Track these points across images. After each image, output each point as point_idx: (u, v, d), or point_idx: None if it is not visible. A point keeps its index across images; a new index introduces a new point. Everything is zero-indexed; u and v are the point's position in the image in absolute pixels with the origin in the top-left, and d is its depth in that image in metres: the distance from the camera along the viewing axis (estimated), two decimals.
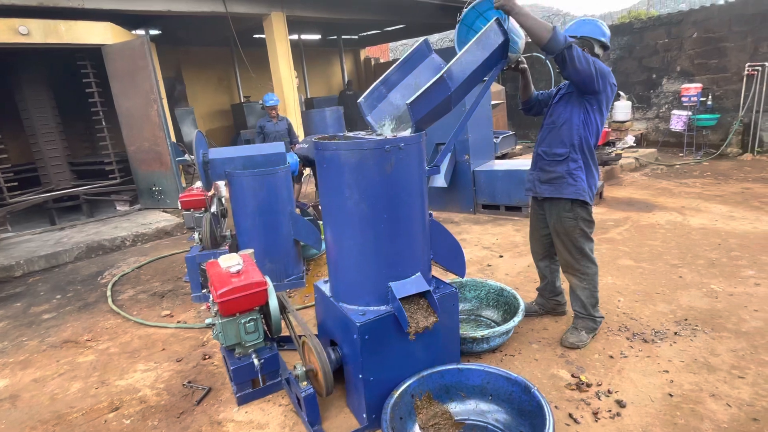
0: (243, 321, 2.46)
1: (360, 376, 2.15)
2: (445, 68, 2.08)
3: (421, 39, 2.62)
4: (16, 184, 6.57)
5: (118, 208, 7.67)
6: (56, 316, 3.95)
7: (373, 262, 2.16)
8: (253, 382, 2.60)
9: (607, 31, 2.59)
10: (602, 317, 2.88)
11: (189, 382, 2.79)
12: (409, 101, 2.06)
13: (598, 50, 2.59)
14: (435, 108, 2.13)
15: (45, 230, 6.40)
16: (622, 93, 5.70)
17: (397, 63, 2.60)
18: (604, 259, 4.05)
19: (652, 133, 9.79)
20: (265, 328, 2.69)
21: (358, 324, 2.09)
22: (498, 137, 8.69)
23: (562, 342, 2.81)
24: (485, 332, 2.63)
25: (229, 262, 2.68)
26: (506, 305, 3.10)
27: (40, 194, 6.86)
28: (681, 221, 4.93)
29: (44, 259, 5.20)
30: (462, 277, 2.62)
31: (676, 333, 2.85)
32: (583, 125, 2.60)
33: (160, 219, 6.42)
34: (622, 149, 5.50)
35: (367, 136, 2.24)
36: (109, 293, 4.28)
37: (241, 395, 2.53)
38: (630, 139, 5.45)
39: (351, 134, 2.39)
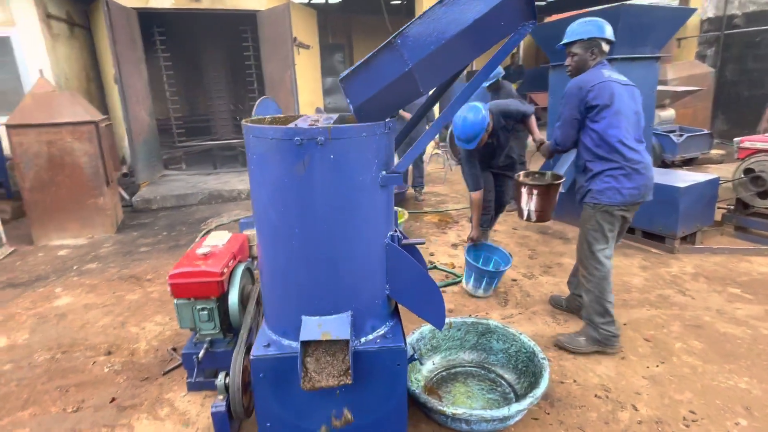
0: (197, 307, 2.29)
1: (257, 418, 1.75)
2: (403, 28, 1.38)
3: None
4: (182, 131, 7.84)
5: None
6: (149, 251, 4.53)
7: (281, 286, 1.68)
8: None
9: (609, 28, 2.50)
10: (614, 334, 2.54)
11: (174, 349, 2.80)
12: (341, 76, 1.45)
13: (605, 47, 2.52)
14: (386, 89, 1.46)
15: (196, 173, 7.51)
16: None
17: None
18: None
19: None
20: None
21: (252, 357, 1.66)
22: (682, 135, 6.63)
23: (555, 340, 2.69)
24: (460, 411, 1.89)
25: (212, 241, 2.54)
26: (533, 376, 2.22)
27: (201, 143, 8.09)
28: None
29: (175, 198, 6.07)
30: (440, 328, 1.90)
31: None
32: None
33: None
34: None
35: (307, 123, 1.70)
36: (198, 240, 4.71)
37: (190, 382, 2.39)
38: None
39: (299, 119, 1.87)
